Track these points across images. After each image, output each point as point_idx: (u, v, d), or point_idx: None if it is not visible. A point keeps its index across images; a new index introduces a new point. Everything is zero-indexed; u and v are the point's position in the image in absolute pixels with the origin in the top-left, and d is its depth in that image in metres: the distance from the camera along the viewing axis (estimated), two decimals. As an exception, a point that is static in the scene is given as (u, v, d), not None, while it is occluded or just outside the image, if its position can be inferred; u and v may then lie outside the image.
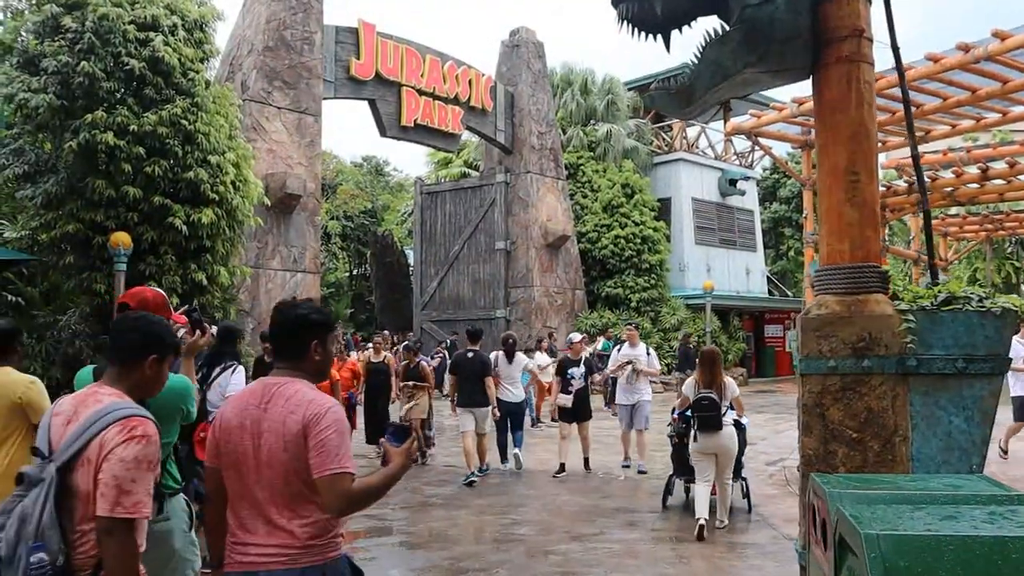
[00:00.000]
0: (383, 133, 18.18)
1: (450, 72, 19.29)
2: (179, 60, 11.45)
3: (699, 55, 4.24)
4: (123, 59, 10.94)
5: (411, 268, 28.02)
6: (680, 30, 4.60)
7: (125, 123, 10.78)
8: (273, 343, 2.66)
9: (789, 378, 25.22)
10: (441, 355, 16.73)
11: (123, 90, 11.16)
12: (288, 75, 15.45)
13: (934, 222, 32.07)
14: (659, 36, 4.55)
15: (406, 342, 14.31)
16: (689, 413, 7.11)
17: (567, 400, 9.76)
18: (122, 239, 10.88)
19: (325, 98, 16.52)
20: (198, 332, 3.91)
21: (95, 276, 11.11)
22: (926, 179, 23.72)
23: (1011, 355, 3.98)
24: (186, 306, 4.30)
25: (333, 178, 37.55)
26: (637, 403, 9.84)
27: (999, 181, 23.73)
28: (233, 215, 12.01)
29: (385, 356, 11.64)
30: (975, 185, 24.30)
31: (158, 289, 3.53)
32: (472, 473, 9.15)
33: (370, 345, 12.88)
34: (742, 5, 4.12)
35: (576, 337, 10.73)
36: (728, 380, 7.18)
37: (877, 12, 4.38)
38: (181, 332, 3.80)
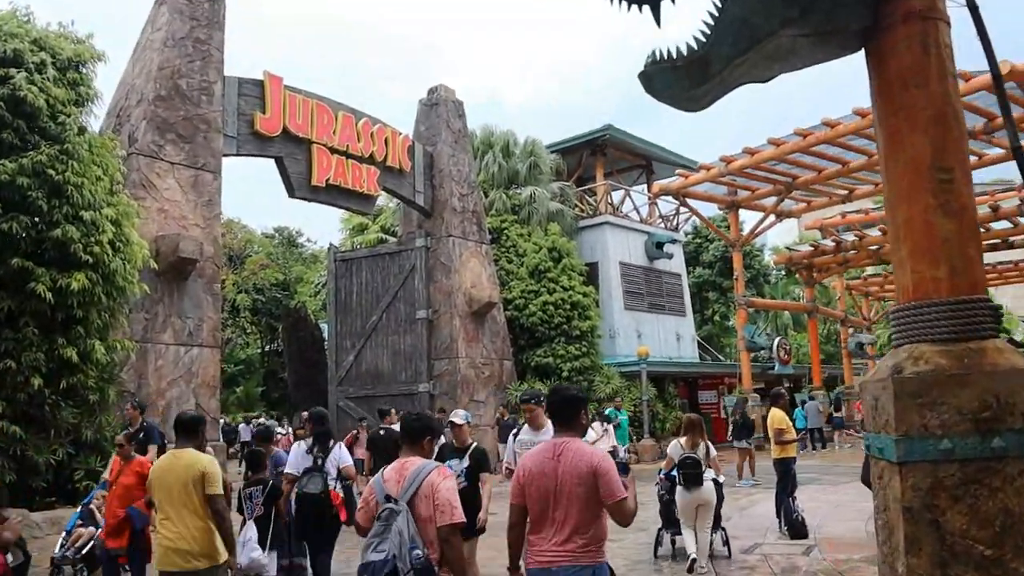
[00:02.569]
0: (291, 194, 16.67)
1: (364, 130, 18.01)
2: (46, 101, 9.87)
3: (718, 10, 3.03)
4: (-24, 98, 9.33)
5: (326, 342, 26.19)
6: (675, -4, 3.39)
7: (-24, 172, 9.11)
8: (553, 414, 3.95)
9: (724, 445, 24.16)
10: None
11: (-25, 134, 9.48)
12: (183, 127, 13.89)
13: (855, 282, 32.17)
14: (645, 5, 3.35)
15: (259, 424, 11.24)
16: (674, 472, 8.27)
17: None
18: (-30, 309, 9.12)
19: (226, 154, 14.98)
20: None
21: (-63, 354, 9.23)
22: (853, 237, 23.45)
23: None
24: None
25: (242, 248, 35.62)
26: None
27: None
28: (111, 280, 10.30)
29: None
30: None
31: None
32: None
33: (279, 432, 11.10)
34: (775, -57, 2.95)
35: (459, 417, 7.01)
36: (709, 442, 8.36)
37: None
38: None
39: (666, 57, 3.13)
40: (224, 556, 4.96)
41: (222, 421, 23.23)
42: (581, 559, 3.57)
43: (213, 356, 13.81)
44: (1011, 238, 23.13)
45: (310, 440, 7.38)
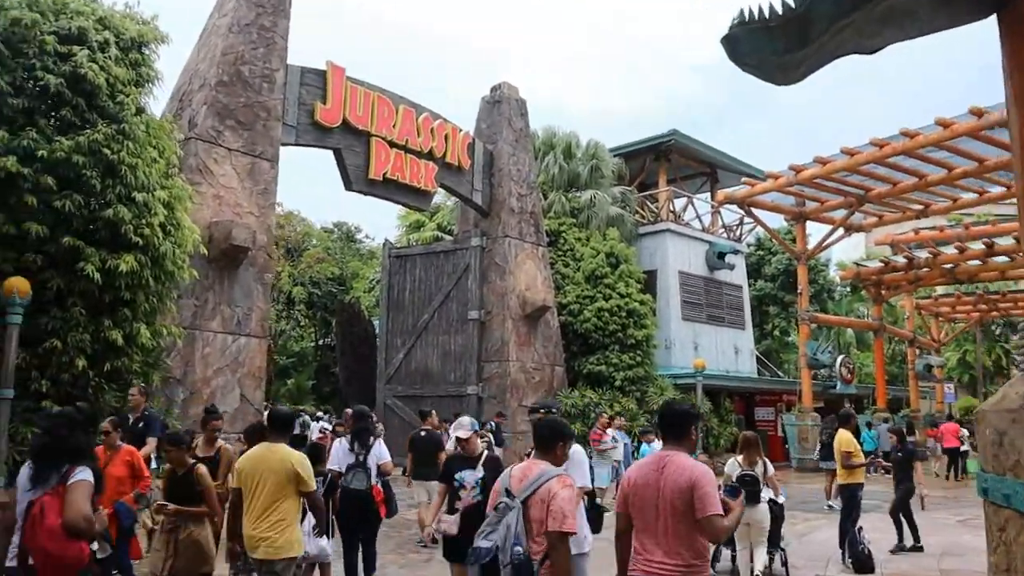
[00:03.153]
0: (348, 186, 16.50)
1: (425, 125, 17.78)
2: (107, 80, 9.72)
3: (823, -37, 2.58)
4: (37, 73, 9.23)
5: (378, 338, 26.07)
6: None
7: (33, 147, 8.97)
8: (664, 428, 4.09)
9: (781, 464, 23.34)
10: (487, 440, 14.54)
11: (35, 109, 9.39)
12: (243, 114, 13.79)
13: (925, 302, 30.89)
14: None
15: (171, 432, 7.92)
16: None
17: (452, 524, 5.77)
18: (19, 285, 8.95)
19: (285, 144, 14.87)
20: None
21: (-16, 330, 9.15)
22: (927, 255, 22.47)
23: None
24: None
25: (300, 241, 35.79)
26: None
27: (1003, 258, 22.62)
28: (160, 264, 10.13)
29: (220, 447, 7.76)
30: (977, 262, 23.21)
31: None
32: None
33: (316, 428, 10.86)
34: None
35: (465, 428, 6.20)
36: (766, 460, 8.32)
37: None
38: None
39: (757, 16, 2.68)
40: (301, 549, 5.30)
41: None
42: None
43: (260, 347, 13.66)
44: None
45: (350, 436, 7.51)
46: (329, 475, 7.14)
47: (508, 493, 3.99)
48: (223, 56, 13.63)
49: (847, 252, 46.36)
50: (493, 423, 16.48)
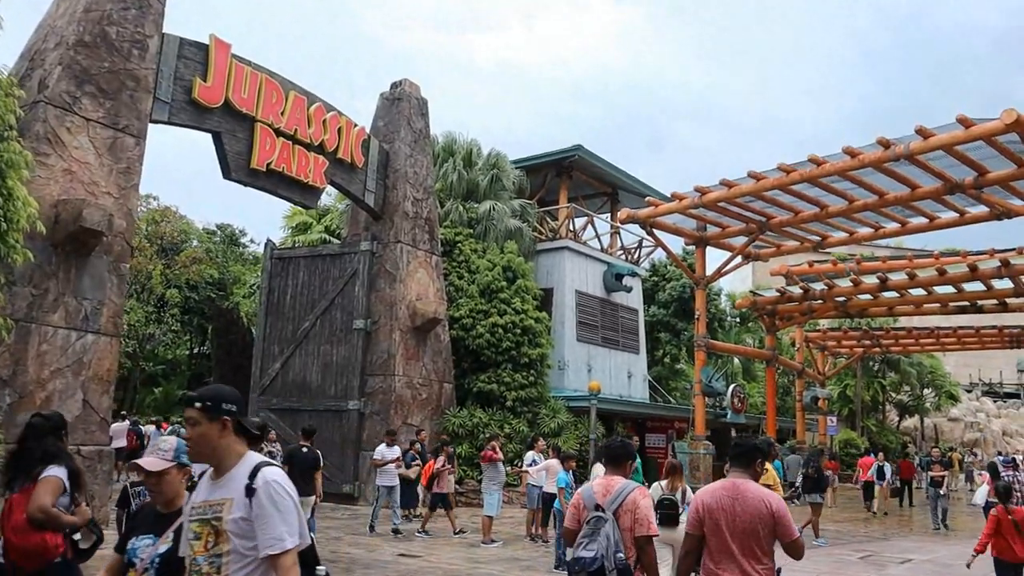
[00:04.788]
0: (227, 175, 14.93)
1: (317, 115, 16.41)
2: (-77, 16, 8.11)
3: None
4: None
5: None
6: None
7: None
8: (733, 459, 4.55)
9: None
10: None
11: None
12: (106, 81, 12.14)
13: (813, 334, 31.30)
14: None
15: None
16: None
17: None
18: None
19: (156, 121, 13.26)
20: None
21: None
22: (823, 287, 22.44)
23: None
24: None
25: (176, 239, 33.41)
26: None
27: (892, 293, 22.92)
28: (-17, 240, 8.49)
29: None
30: (868, 296, 23.46)
31: None
32: None
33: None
34: None
35: (165, 448, 3.76)
36: (687, 487, 8.60)
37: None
38: None
39: None
40: None
41: (128, 422, 21.15)
42: None
43: (111, 346, 11.96)
44: (980, 301, 22.41)
45: None
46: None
47: (598, 507, 4.51)
48: (86, 13, 11.98)
49: (735, 284, 47.14)
50: (419, 443, 15.20)
